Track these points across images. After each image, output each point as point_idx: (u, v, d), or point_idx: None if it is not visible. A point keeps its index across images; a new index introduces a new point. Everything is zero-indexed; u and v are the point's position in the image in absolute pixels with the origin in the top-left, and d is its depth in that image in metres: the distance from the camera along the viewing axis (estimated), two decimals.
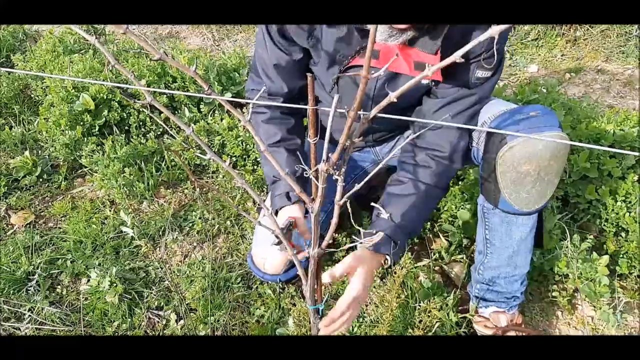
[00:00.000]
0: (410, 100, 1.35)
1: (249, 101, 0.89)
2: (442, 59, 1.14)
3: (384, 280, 1.62)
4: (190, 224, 1.94)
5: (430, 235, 1.80)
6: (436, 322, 1.41)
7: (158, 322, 1.59)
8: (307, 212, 1.34)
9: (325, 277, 1.10)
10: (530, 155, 1.17)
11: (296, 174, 1.34)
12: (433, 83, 1.26)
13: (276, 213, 1.32)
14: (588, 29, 3.09)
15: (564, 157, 1.21)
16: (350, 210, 0.86)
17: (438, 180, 1.31)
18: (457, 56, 0.55)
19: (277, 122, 1.38)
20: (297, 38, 1.26)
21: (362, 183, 0.90)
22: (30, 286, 1.70)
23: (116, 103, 2.33)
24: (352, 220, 0.95)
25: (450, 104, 1.27)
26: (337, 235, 1.70)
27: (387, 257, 1.24)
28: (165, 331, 1.56)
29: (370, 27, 0.55)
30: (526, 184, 1.21)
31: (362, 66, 1.23)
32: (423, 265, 1.68)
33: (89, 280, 1.68)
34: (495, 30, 0.51)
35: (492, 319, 1.44)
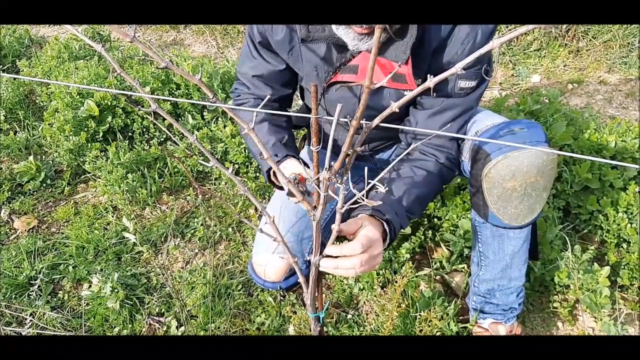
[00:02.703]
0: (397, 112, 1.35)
1: (252, 110, 0.90)
2: (414, 66, 1.15)
3: (384, 289, 1.62)
4: (192, 231, 1.94)
5: (432, 245, 1.80)
6: (436, 331, 1.41)
7: (159, 328, 1.59)
8: (305, 163, 1.29)
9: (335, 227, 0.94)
10: (515, 171, 1.16)
11: (282, 141, 1.34)
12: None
13: (271, 175, 1.32)
14: (591, 39, 3.10)
15: (550, 172, 1.19)
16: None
17: (438, 171, 1.28)
18: (458, 68, 0.56)
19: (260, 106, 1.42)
20: (279, 51, 1.30)
21: (365, 190, 0.90)
22: (32, 291, 1.71)
23: (120, 109, 2.35)
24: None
25: (436, 115, 1.27)
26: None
27: (386, 226, 1.11)
28: None
29: (375, 31, 0.56)
30: (513, 200, 1.20)
31: (343, 82, 1.25)
32: (424, 275, 1.67)
33: (90, 286, 1.69)
34: (497, 42, 0.52)
35: (491, 330, 1.43)
